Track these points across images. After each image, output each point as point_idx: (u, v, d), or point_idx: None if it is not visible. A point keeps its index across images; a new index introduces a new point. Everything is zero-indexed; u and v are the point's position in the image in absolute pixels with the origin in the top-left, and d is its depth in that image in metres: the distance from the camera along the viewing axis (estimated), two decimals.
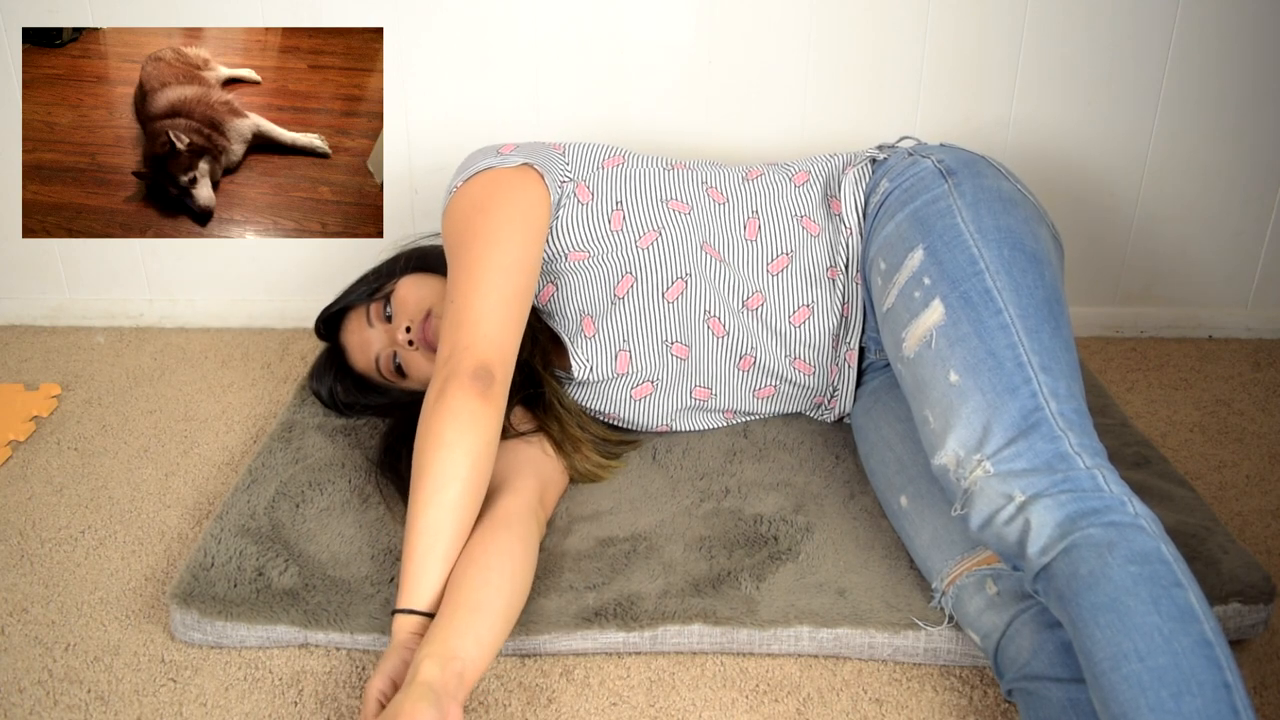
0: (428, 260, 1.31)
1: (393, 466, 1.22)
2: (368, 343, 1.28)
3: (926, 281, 1.06)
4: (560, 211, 1.20)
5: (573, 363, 1.25)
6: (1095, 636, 0.82)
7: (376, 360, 1.28)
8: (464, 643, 0.91)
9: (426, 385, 1.24)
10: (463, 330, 1.07)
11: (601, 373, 1.25)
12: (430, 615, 0.97)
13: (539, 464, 1.19)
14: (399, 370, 1.27)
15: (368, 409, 1.37)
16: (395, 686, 0.91)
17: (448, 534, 0.99)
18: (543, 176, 1.19)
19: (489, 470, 1.05)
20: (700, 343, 1.25)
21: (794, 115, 1.64)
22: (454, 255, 1.14)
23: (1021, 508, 0.91)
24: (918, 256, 1.08)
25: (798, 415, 1.38)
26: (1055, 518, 0.89)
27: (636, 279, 1.21)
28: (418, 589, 0.97)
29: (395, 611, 0.98)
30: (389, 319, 1.26)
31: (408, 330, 1.24)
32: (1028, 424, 0.94)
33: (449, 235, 1.16)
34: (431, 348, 1.23)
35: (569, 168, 1.23)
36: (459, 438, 1.01)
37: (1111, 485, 0.91)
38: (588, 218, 1.21)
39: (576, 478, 1.25)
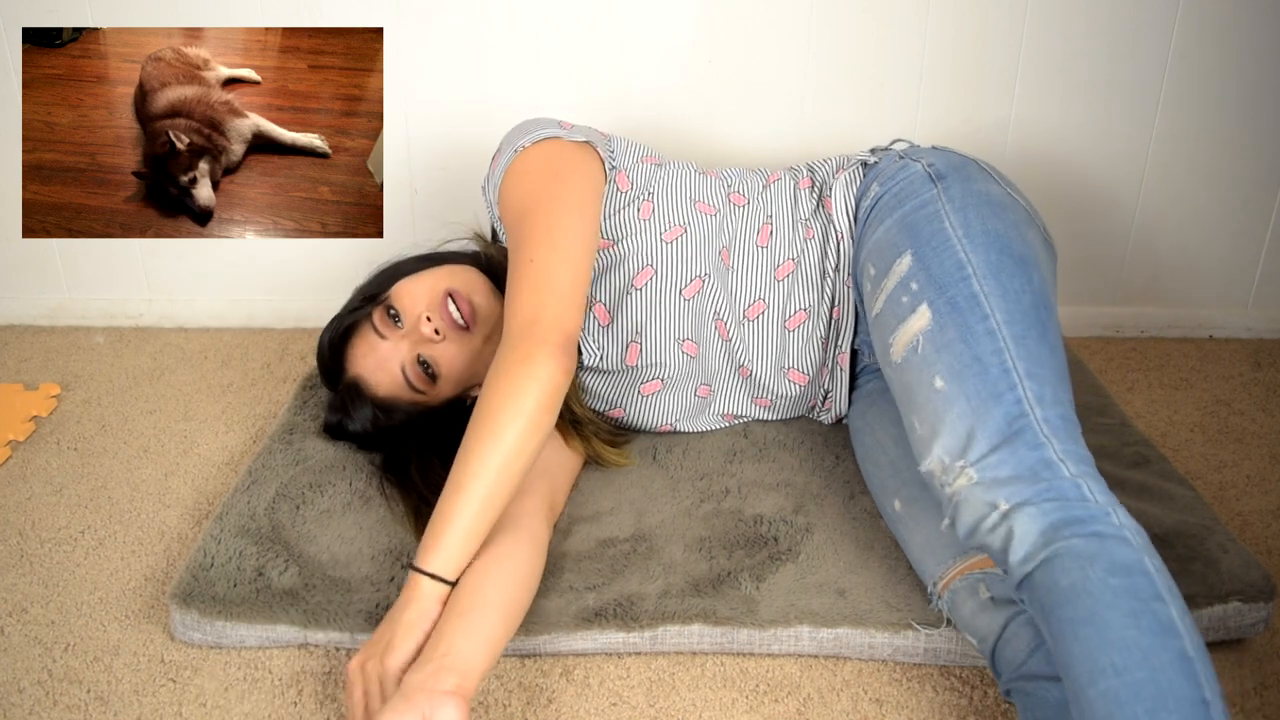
0: (408, 265, 1.26)
1: (399, 470, 1.21)
2: (386, 358, 1.17)
3: (914, 286, 1.05)
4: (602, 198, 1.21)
5: (582, 348, 1.24)
6: (1073, 650, 0.81)
7: (403, 373, 1.17)
8: (456, 639, 0.91)
9: (458, 389, 1.21)
10: (551, 294, 1.04)
11: (611, 363, 1.25)
12: (453, 584, 0.96)
13: (549, 465, 1.19)
14: (430, 375, 1.17)
15: (397, 433, 1.24)
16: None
17: (500, 507, 0.98)
18: (601, 160, 1.20)
19: (540, 454, 1.03)
20: (707, 342, 1.25)
21: (794, 115, 1.64)
22: (530, 215, 1.10)
23: (1005, 516, 0.90)
24: (905, 261, 1.08)
25: (798, 416, 1.38)
26: (1038, 526, 0.88)
27: (657, 272, 1.21)
28: (453, 558, 0.96)
29: (422, 571, 0.96)
30: (397, 321, 1.18)
31: (429, 320, 1.16)
32: (1011, 430, 0.94)
33: (517, 193, 1.14)
34: (460, 329, 1.18)
35: (615, 155, 1.23)
36: (541, 413, 0.98)
37: (1097, 495, 0.90)
38: (623, 205, 1.21)
39: (596, 461, 1.26)
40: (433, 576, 0.95)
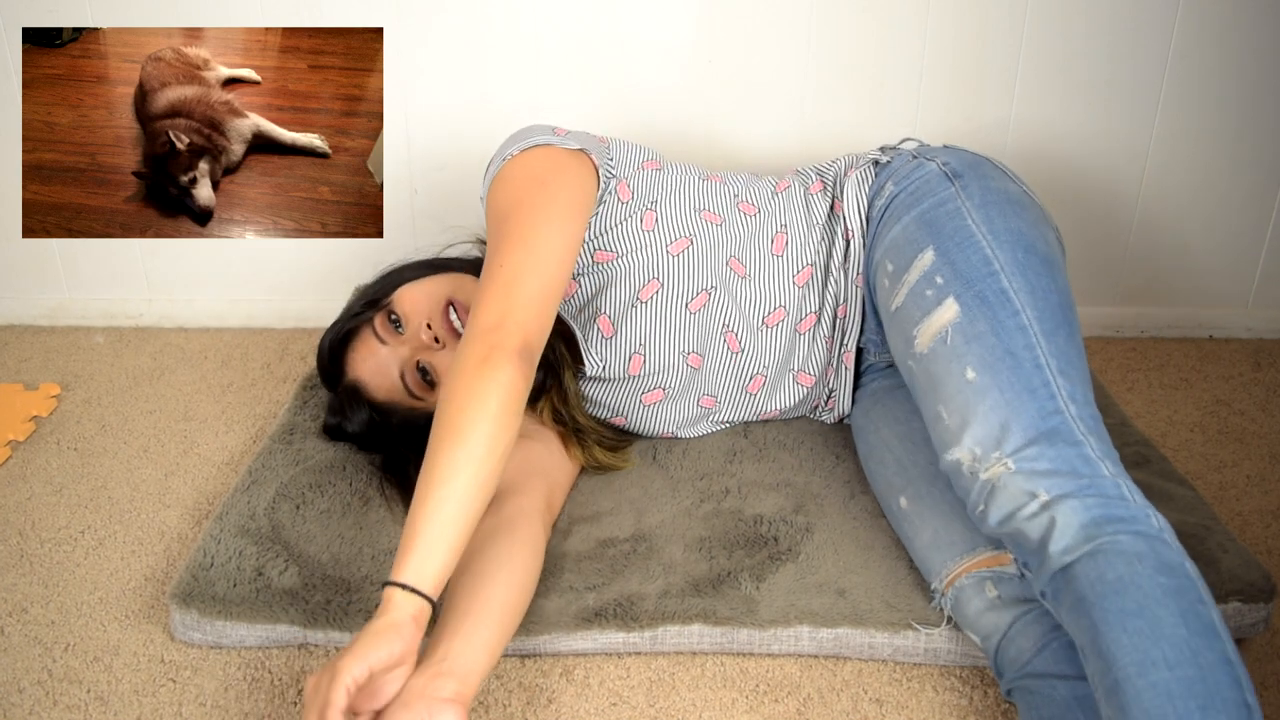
0: (410, 271, 1.25)
1: (399, 470, 1.21)
2: (385, 364, 1.18)
3: (939, 280, 1.05)
4: (600, 207, 1.18)
5: (585, 360, 1.23)
6: (1122, 641, 0.82)
7: (402, 378, 1.17)
8: (454, 644, 0.89)
9: None
10: (514, 301, 1.00)
11: (613, 372, 1.24)
12: (432, 602, 0.88)
13: (546, 465, 1.18)
14: (429, 382, 1.17)
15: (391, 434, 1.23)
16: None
17: (473, 513, 0.91)
18: (596, 168, 1.17)
19: (507, 460, 0.98)
20: (714, 354, 1.24)
21: (794, 115, 1.64)
22: (509, 220, 1.08)
23: (1046, 506, 0.91)
24: (928, 256, 1.08)
25: (799, 415, 1.38)
26: (1081, 520, 0.89)
27: (663, 285, 1.19)
28: (426, 568, 0.87)
29: (397, 584, 0.87)
30: (398, 327, 1.18)
31: (429, 328, 1.16)
32: (1048, 426, 0.94)
33: (502, 199, 1.11)
34: (460, 338, 1.16)
35: (613, 163, 1.21)
36: (504, 417, 0.93)
37: (1135, 497, 0.91)
38: (624, 216, 1.19)
39: (596, 467, 1.25)
40: (404, 587, 0.86)
